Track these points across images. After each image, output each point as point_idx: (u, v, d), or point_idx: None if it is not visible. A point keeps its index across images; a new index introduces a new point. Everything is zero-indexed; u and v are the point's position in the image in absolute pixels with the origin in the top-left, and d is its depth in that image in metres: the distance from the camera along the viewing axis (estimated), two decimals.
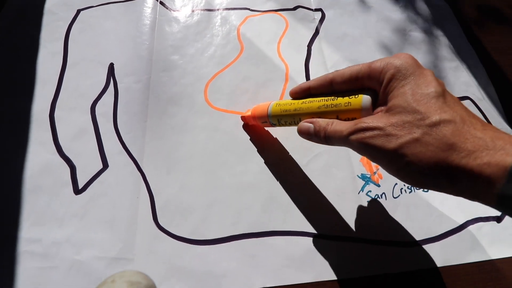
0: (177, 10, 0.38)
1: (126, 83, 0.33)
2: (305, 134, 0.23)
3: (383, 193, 0.29)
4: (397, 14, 0.39)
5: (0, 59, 0.33)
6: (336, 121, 0.21)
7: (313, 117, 0.23)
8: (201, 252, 0.26)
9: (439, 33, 0.38)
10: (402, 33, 0.38)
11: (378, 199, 0.28)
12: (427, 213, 0.28)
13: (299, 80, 0.34)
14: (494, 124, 0.32)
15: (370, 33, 0.37)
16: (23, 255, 0.25)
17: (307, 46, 0.36)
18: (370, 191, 0.29)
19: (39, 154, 0.29)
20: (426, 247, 0.26)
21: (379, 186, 0.29)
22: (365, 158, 0.30)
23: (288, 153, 0.30)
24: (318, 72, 0.35)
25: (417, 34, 0.38)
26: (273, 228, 0.27)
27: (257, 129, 0.31)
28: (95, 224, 0.26)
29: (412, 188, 0.29)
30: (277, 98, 0.33)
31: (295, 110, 0.24)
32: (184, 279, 0.25)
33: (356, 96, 0.20)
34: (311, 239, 0.26)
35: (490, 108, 0.34)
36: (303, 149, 0.30)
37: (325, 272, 0.25)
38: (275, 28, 0.37)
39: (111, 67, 0.34)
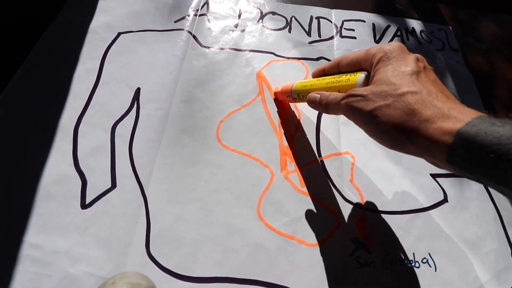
0: (207, 47, 0.40)
1: (148, 109, 0.35)
2: (312, 102, 0.27)
3: (373, 261, 0.28)
4: None
5: (39, 70, 0.37)
6: (335, 93, 0.25)
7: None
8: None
9: None
10: None
11: (365, 267, 0.28)
12: None
13: (309, 128, 0.35)
14: None
15: None
16: (24, 258, 0.27)
17: None
18: (359, 257, 0.29)
19: (57, 164, 0.31)
20: None
21: (370, 252, 0.29)
22: (360, 221, 0.30)
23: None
24: (329, 123, 0.36)
25: None
26: (256, 277, 0.27)
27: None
28: (92, 241, 0.28)
29: (403, 261, 0.29)
30: (278, 149, 0.34)
31: (310, 85, 0.29)
32: None
33: (354, 74, 0.25)
34: None
35: None
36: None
37: None
38: (295, 76, 0.39)
39: (137, 91, 0.36)
